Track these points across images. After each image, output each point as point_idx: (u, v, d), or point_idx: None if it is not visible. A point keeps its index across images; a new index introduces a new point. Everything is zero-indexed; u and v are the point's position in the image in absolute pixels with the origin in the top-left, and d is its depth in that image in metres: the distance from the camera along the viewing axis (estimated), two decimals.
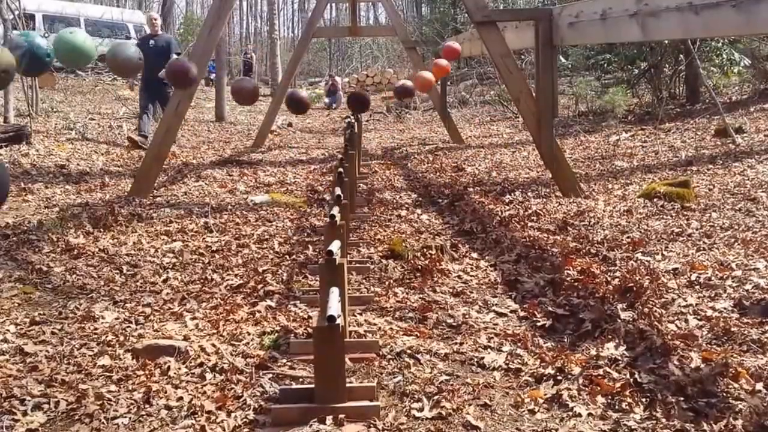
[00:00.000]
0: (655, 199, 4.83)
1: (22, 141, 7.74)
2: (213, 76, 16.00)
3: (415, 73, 7.68)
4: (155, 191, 5.76)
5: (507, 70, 5.50)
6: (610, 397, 2.21)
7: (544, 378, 2.37)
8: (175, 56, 7.59)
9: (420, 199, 5.64)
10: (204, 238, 4.33)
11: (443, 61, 7.60)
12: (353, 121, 6.15)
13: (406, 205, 5.33)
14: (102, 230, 4.39)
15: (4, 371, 2.44)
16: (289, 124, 12.88)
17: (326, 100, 18.02)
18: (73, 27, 4.07)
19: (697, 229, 4.09)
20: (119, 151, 8.10)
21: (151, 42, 8.05)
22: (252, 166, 7.62)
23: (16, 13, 10.43)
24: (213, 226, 4.62)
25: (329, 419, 2.05)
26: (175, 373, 2.42)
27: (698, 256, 3.61)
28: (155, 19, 8.55)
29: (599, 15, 4.71)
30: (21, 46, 3.16)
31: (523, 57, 12.35)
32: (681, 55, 10.04)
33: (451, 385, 2.34)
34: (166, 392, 2.29)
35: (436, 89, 10.56)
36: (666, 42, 9.42)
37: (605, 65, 11.42)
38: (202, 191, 5.96)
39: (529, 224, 4.49)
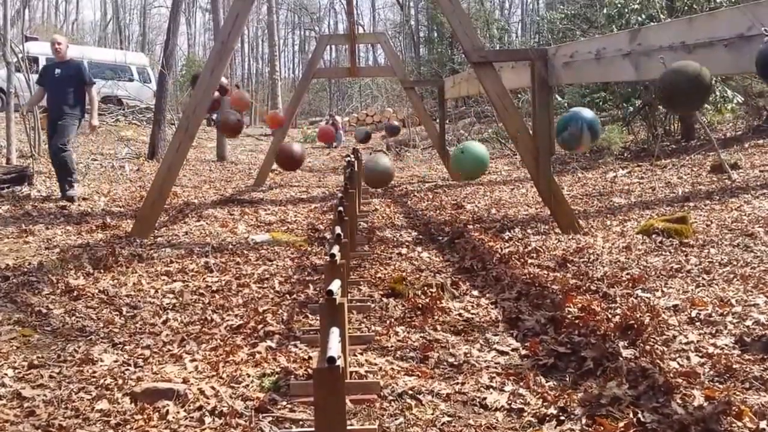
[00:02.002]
0: (653, 236, 4.85)
1: (24, 182, 7.81)
2: (215, 116, 16.22)
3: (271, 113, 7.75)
4: (156, 231, 5.79)
5: (504, 109, 5.60)
6: None
7: (547, 418, 2.34)
8: (89, 87, 6.94)
9: (420, 236, 5.66)
10: (204, 278, 4.33)
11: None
12: (353, 159, 6.22)
13: (407, 243, 5.35)
14: (102, 271, 4.40)
15: (1, 416, 2.41)
16: None
17: None
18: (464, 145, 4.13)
19: (696, 265, 4.09)
20: (121, 192, 8.16)
21: (57, 70, 6.97)
22: (253, 204, 7.66)
23: (20, 56, 10.66)
24: (213, 265, 4.62)
25: None
26: (173, 417, 2.40)
27: (698, 292, 3.61)
28: (59, 44, 7.15)
29: (594, 55, 4.83)
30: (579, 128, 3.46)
31: (519, 96, 12.56)
32: None
33: (454, 426, 2.32)
34: None
35: (435, 127, 10.71)
36: None
37: (600, 103, 11.61)
38: (203, 231, 5.98)
39: (529, 261, 4.50)
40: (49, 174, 8.94)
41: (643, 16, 9.61)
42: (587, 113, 3.26)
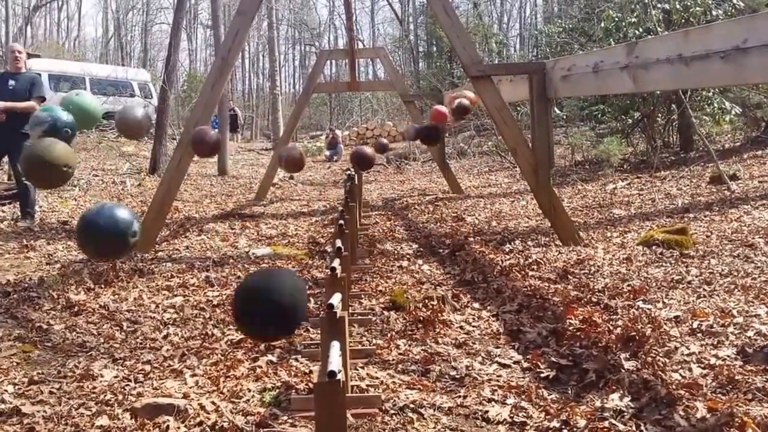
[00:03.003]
0: (653, 247, 4.85)
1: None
2: (216, 131, 16.29)
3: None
4: (157, 246, 5.79)
5: (503, 122, 5.63)
6: None
7: (550, 431, 2.33)
8: (37, 100, 6.16)
9: (421, 249, 5.66)
10: (205, 293, 4.32)
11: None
12: (353, 173, 6.24)
13: (407, 256, 5.35)
14: (103, 286, 4.39)
15: None
16: (291, 177, 13.04)
17: (327, 153, 18.30)
18: (78, 89, 3.93)
19: (696, 276, 4.09)
20: None
21: (11, 82, 6.34)
22: (254, 218, 7.67)
23: None
24: (214, 279, 4.62)
25: None
26: None
27: (699, 303, 3.60)
28: (19, 53, 6.54)
29: (591, 68, 4.86)
30: (45, 121, 3.22)
31: (518, 109, 12.62)
32: (673, 105, 10.27)
33: None
34: None
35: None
36: (658, 92, 9.65)
37: (599, 116, 11.66)
38: (204, 245, 5.98)
39: (530, 273, 4.50)
40: (51, 190, 8.97)
41: (641, 30, 9.69)
42: (66, 117, 3.19)
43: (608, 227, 6.03)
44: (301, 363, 3.05)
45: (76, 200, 8.41)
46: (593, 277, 4.30)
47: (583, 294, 3.90)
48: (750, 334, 3.06)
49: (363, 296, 4.11)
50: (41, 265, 5.10)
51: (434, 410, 2.54)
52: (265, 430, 2.41)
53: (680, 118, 10.20)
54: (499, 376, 2.87)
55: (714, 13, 9.26)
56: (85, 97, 3.74)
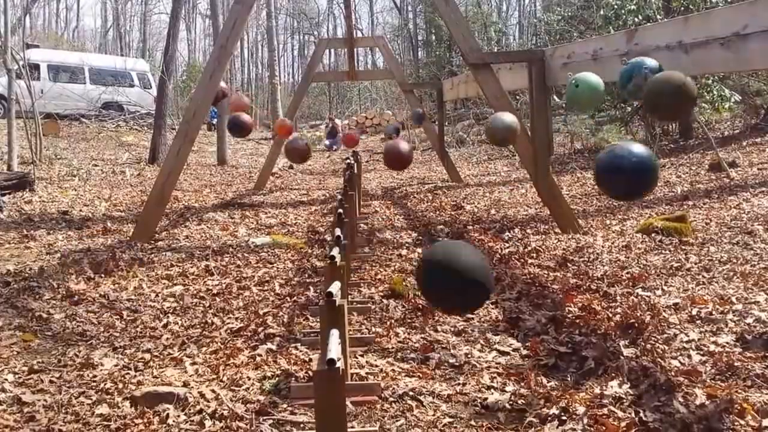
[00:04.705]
0: (653, 234, 4.84)
1: (26, 188, 7.82)
2: (215, 121, 16.26)
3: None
4: (157, 235, 5.79)
5: (502, 110, 5.60)
6: None
7: (549, 418, 2.34)
8: None
9: (420, 237, 5.66)
10: (205, 282, 4.33)
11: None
12: (353, 162, 6.23)
13: (407, 244, 5.35)
14: (103, 276, 4.40)
15: (1, 422, 2.41)
16: (290, 167, 13.02)
17: (326, 142, 18.26)
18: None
19: (695, 264, 4.09)
20: (122, 196, 8.17)
21: None
22: (253, 208, 7.67)
23: (21, 63, 10.69)
24: (214, 268, 4.62)
25: None
26: (174, 421, 2.39)
27: (698, 290, 3.61)
28: None
29: (590, 55, 4.84)
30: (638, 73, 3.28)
31: (518, 97, 12.57)
32: None
33: (455, 427, 2.31)
34: None
35: (434, 129, 10.73)
36: None
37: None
38: (204, 234, 5.98)
39: (529, 261, 4.50)
40: (50, 180, 8.96)
41: (640, 17, 9.63)
42: (650, 61, 3.22)
43: (607, 215, 6.02)
44: (301, 351, 3.05)
45: (75, 190, 8.40)
46: (592, 264, 4.30)
47: (583, 281, 3.90)
48: (749, 320, 3.06)
49: (362, 284, 4.12)
50: (41, 254, 5.11)
51: (433, 398, 2.55)
52: (264, 417, 2.42)
53: None
54: (499, 363, 2.88)
55: (713, 0, 9.20)
56: (589, 77, 3.86)
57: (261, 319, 3.50)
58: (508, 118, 4.60)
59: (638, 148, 2.75)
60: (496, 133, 4.65)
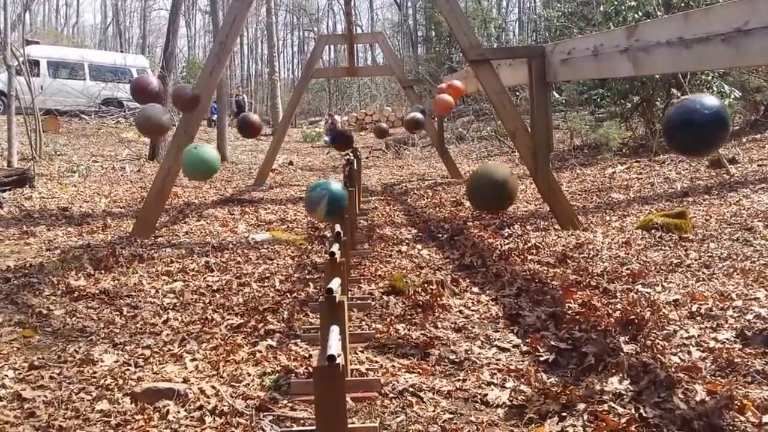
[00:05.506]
0: (652, 231, 4.84)
1: (26, 184, 7.82)
2: (215, 117, 16.25)
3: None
4: (157, 231, 5.79)
5: (502, 106, 5.60)
6: None
7: (549, 414, 2.34)
8: None
9: (420, 234, 5.66)
10: (205, 278, 4.33)
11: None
12: (353, 158, 6.22)
13: (407, 241, 5.35)
14: (103, 272, 4.40)
15: (1, 418, 2.41)
16: (290, 163, 13.02)
17: (326, 138, 18.24)
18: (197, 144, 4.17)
19: (695, 260, 4.09)
20: (121, 193, 8.16)
21: None
22: (253, 204, 7.66)
23: (21, 59, 10.67)
24: (214, 265, 4.62)
25: None
26: (174, 417, 2.40)
27: (698, 286, 3.61)
28: None
29: (591, 51, 4.82)
30: (322, 196, 3.36)
31: (517, 93, 12.56)
32: (672, 89, 10.21)
33: (455, 423, 2.31)
34: None
35: (434, 126, 10.71)
36: (657, 76, 9.59)
37: (598, 100, 11.60)
38: (204, 230, 5.98)
39: (529, 257, 4.50)
40: (50, 176, 8.95)
41: (640, 14, 9.60)
42: (335, 185, 3.38)
43: (607, 211, 6.02)
44: (301, 347, 3.06)
45: (75, 186, 8.39)
46: (592, 261, 4.30)
47: (582, 278, 3.90)
48: (749, 317, 3.06)
49: (362, 281, 4.11)
50: (41, 251, 5.10)
51: (433, 394, 2.55)
52: (265, 413, 2.42)
53: None
54: (499, 359, 2.88)
55: None
56: (204, 149, 3.90)
57: (261, 316, 3.51)
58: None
59: (710, 100, 2.65)
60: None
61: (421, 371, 2.76)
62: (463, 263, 4.53)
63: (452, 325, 3.32)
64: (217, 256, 4.88)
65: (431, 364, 2.85)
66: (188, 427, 2.34)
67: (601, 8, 10.66)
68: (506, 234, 5.31)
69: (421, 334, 3.20)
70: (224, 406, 2.47)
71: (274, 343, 3.11)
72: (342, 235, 3.06)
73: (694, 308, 3.25)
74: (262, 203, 7.78)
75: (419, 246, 5.12)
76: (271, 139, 11.47)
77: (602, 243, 4.75)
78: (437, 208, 6.96)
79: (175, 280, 4.27)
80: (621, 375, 2.55)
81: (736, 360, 2.62)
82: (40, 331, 3.35)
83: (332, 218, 3.44)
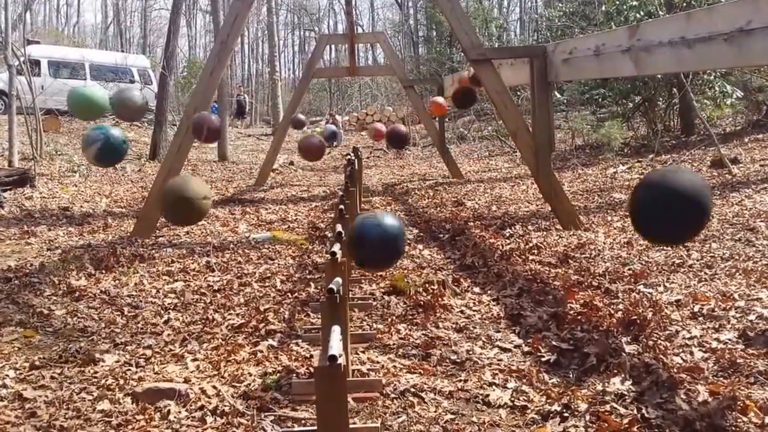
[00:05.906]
0: None
1: (26, 184, 7.81)
2: (216, 117, 16.23)
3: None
4: (158, 231, 5.78)
5: (503, 106, 5.59)
6: None
7: (551, 415, 2.34)
8: None
9: (421, 234, 5.65)
10: (206, 278, 4.32)
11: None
12: (354, 158, 6.21)
13: (408, 241, 5.34)
14: (104, 272, 4.39)
15: (2, 418, 2.40)
16: (291, 163, 13.01)
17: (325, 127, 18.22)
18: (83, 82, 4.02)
19: (697, 260, 4.08)
20: (122, 192, 8.16)
21: None
22: (254, 204, 7.66)
23: (22, 59, 10.67)
24: (215, 265, 4.62)
25: None
26: (175, 417, 2.39)
27: (700, 287, 3.60)
28: None
29: (593, 51, 4.81)
30: (98, 139, 3.25)
31: (519, 93, 12.54)
32: (674, 89, 10.20)
33: (457, 424, 2.31)
34: None
35: (435, 125, 10.71)
36: (659, 76, 9.58)
37: (600, 99, 11.60)
38: (205, 230, 5.98)
39: (530, 258, 4.49)
40: (51, 176, 8.95)
41: (642, 13, 9.59)
42: (116, 133, 3.27)
43: (609, 211, 6.01)
44: (302, 347, 3.05)
45: (76, 186, 8.39)
46: (594, 261, 4.29)
47: (584, 278, 3.89)
48: (751, 317, 3.05)
49: (363, 281, 4.11)
50: (42, 251, 5.10)
51: (435, 394, 2.54)
52: (266, 413, 2.42)
53: (681, 101, 10.14)
54: (500, 360, 2.87)
55: None
56: (91, 88, 3.75)
57: (262, 316, 3.50)
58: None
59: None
60: None
61: (422, 371, 2.75)
62: (465, 263, 4.52)
63: (454, 326, 3.31)
64: (218, 256, 4.87)
65: (433, 364, 2.84)
66: (189, 427, 2.33)
67: (603, 8, 10.65)
68: (507, 234, 5.30)
69: (423, 334, 3.20)
70: (225, 406, 2.47)
71: (275, 343, 3.11)
72: (343, 235, 3.05)
73: (696, 309, 3.24)
74: (263, 203, 7.78)
75: (420, 246, 5.11)
76: (271, 139, 11.47)
77: (604, 243, 4.74)
78: (438, 208, 6.95)
79: (176, 280, 4.27)
80: (623, 375, 2.55)
81: (738, 361, 2.61)
82: (41, 331, 3.35)
83: (102, 165, 3.28)
